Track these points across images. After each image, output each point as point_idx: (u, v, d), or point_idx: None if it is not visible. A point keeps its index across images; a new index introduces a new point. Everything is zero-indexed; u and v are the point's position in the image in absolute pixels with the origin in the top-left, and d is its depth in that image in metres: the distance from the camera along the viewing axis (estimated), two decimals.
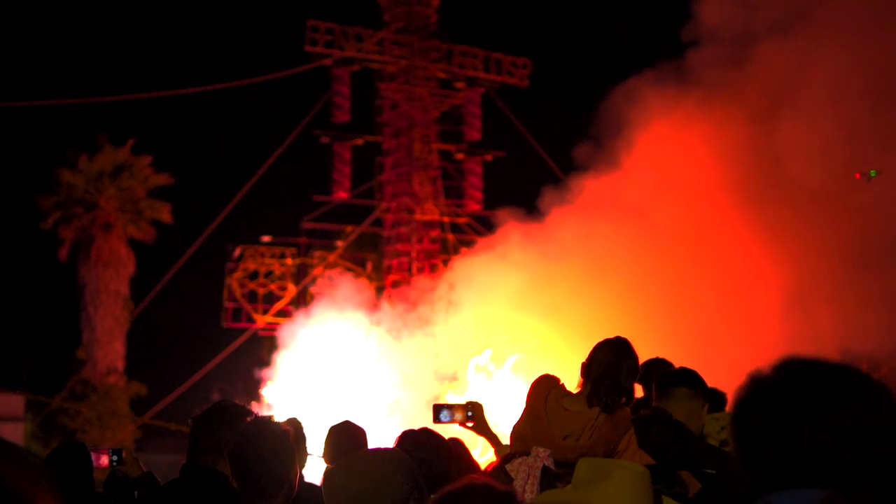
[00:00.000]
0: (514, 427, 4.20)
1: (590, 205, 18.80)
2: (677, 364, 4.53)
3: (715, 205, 17.97)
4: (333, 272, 23.88)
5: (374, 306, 22.03)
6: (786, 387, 1.64)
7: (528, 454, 3.67)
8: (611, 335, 4.19)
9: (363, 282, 23.30)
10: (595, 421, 3.97)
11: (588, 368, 4.10)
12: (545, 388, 4.15)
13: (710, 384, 4.32)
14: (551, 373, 4.32)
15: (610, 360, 4.04)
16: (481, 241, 21.78)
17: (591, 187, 18.99)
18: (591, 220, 18.38)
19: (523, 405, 4.23)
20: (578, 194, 19.20)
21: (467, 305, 20.91)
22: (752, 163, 17.40)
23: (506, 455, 3.97)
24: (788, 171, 16.16)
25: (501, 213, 20.50)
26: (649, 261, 17.91)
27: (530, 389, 4.21)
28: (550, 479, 3.43)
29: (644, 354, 5.06)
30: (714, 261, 17.79)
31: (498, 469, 3.63)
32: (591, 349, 4.17)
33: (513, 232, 19.84)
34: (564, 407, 4.07)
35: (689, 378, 4.05)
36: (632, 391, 4.13)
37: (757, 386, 1.68)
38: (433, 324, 22.11)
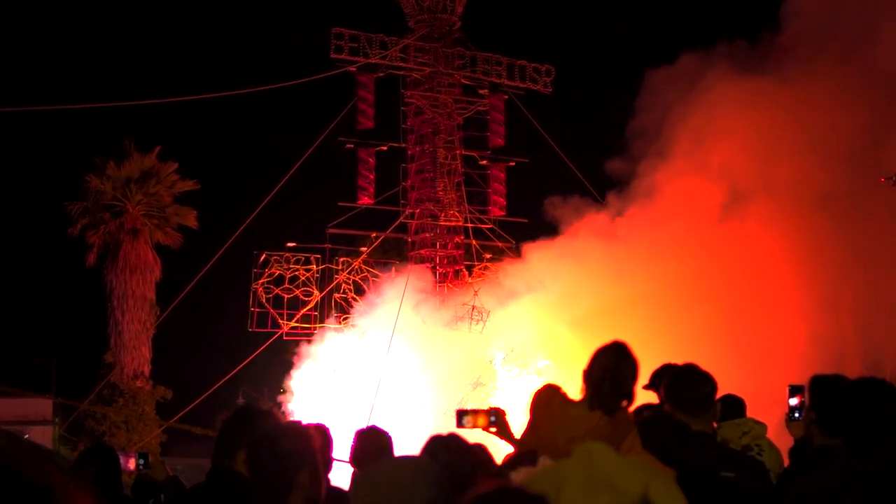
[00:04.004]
0: (521, 438, 4.27)
1: (660, 209, 18.47)
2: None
3: (797, 210, 17.40)
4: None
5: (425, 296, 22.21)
6: None
7: (534, 462, 3.68)
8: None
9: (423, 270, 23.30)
10: (597, 423, 4.01)
11: (589, 375, 4.15)
12: (548, 397, 4.23)
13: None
14: (555, 382, 4.39)
15: (609, 363, 4.09)
16: (541, 242, 21.69)
17: (663, 190, 18.63)
18: (661, 224, 18.04)
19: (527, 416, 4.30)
20: (647, 198, 18.86)
21: (500, 311, 20.86)
22: (849, 164, 16.74)
23: (512, 458, 4.00)
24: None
25: (562, 209, 20.23)
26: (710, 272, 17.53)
27: (533, 399, 4.29)
28: None
29: (665, 356, 5.06)
30: (796, 269, 17.27)
31: (504, 469, 3.64)
32: (590, 356, 4.23)
33: (582, 230, 19.55)
34: (566, 413, 4.11)
35: (698, 381, 4.03)
36: (632, 393, 4.18)
37: None
38: (463, 329, 22.12)
